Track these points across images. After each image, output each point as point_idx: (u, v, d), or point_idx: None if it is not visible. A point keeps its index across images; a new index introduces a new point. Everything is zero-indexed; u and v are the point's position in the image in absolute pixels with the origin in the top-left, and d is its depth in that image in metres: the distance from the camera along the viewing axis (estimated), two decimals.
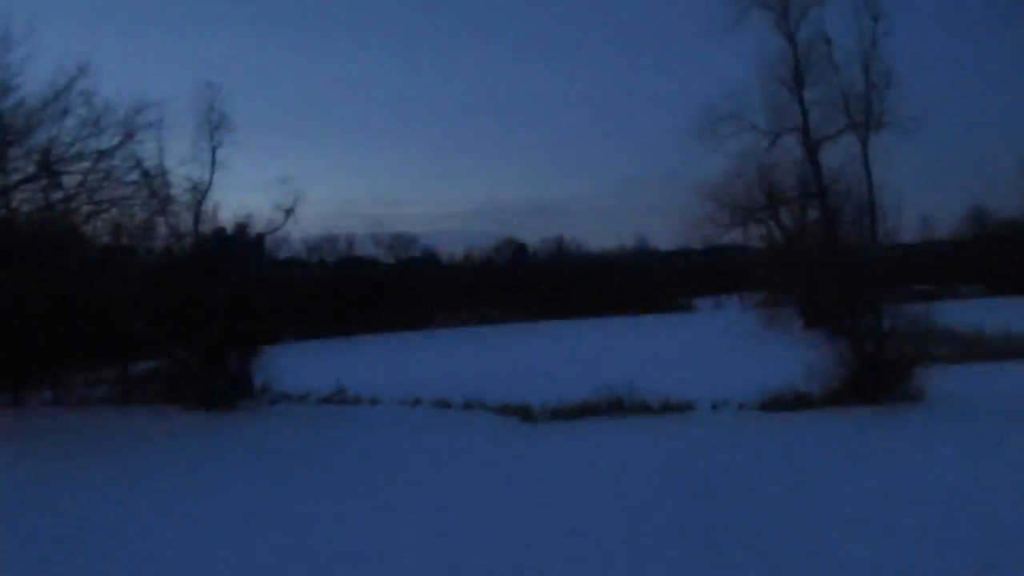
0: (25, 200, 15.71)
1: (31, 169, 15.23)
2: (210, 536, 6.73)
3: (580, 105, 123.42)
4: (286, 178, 31.94)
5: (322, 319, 48.17)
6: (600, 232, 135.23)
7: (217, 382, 17.78)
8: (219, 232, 21.76)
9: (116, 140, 15.47)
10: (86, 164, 15.26)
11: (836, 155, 15.83)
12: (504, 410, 16.78)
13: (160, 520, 7.58)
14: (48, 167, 15.02)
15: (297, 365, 20.23)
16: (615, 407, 15.24)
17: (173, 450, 12.51)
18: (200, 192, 20.48)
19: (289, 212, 22.18)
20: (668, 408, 14.85)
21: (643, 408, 14.97)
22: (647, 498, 7.64)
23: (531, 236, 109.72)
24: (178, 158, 18.40)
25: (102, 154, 15.26)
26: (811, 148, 15.52)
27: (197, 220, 20.95)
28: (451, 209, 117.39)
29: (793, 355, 15.97)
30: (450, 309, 58.05)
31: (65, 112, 14.66)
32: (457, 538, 6.39)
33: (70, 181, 15.70)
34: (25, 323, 14.44)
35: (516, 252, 70.58)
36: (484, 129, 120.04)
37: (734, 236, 21.69)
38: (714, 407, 14.78)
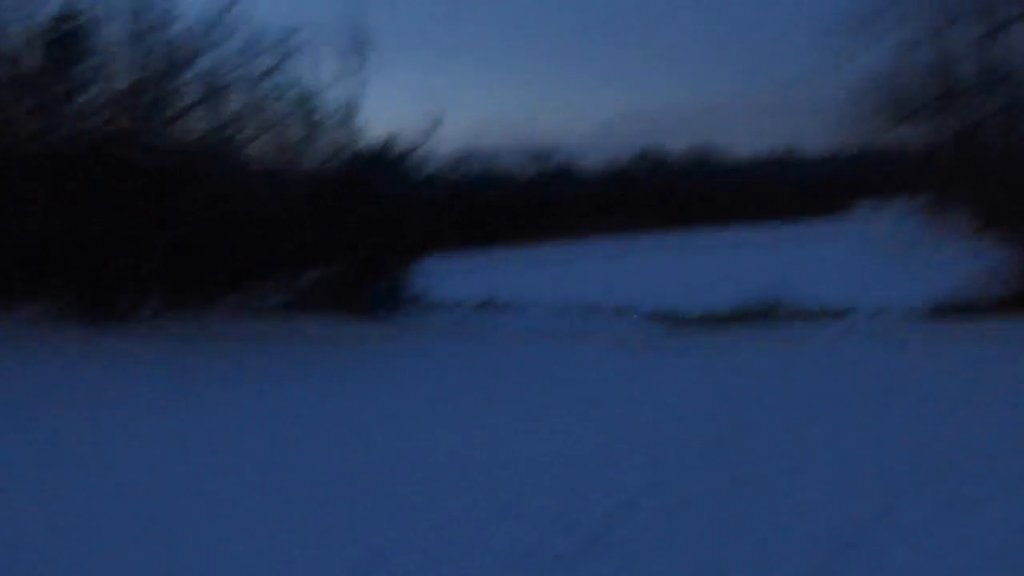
0: (192, 125, 16.77)
1: (197, 95, 16.14)
2: (370, 422, 7.20)
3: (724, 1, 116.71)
4: (428, 95, 32.60)
5: (465, 234, 49.22)
6: (746, 138, 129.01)
7: (375, 293, 18.77)
8: (367, 151, 22.53)
9: (271, 63, 16.11)
10: (245, 88, 16.03)
11: None
12: (652, 318, 16.78)
13: (319, 400, 8.30)
14: (212, 92, 15.89)
15: (445, 277, 20.97)
16: (766, 314, 14.90)
17: (336, 350, 13.52)
18: (348, 111, 21.18)
19: (432, 128, 22.61)
20: (823, 315, 14.36)
21: (796, 315, 14.55)
22: (797, 406, 7.47)
23: (673, 144, 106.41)
24: (326, 79, 19.00)
25: (259, 78, 15.97)
26: (994, 30, 14.06)
27: (346, 139, 21.76)
28: (590, 120, 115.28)
29: (961, 262, 14.95)
30: (591, 221, 57.85)
31: (225, 38, 15.38)
32: (589, 434, 6.54)
33: (232, 106, 16.55)
34: (203, 239, 15.63)
35: (657, 161, 68.87)
36: (621, 35, 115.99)
37: (895, 136, 20.11)
38: (873, 315, 14.15)
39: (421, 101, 23.45)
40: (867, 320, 14.00)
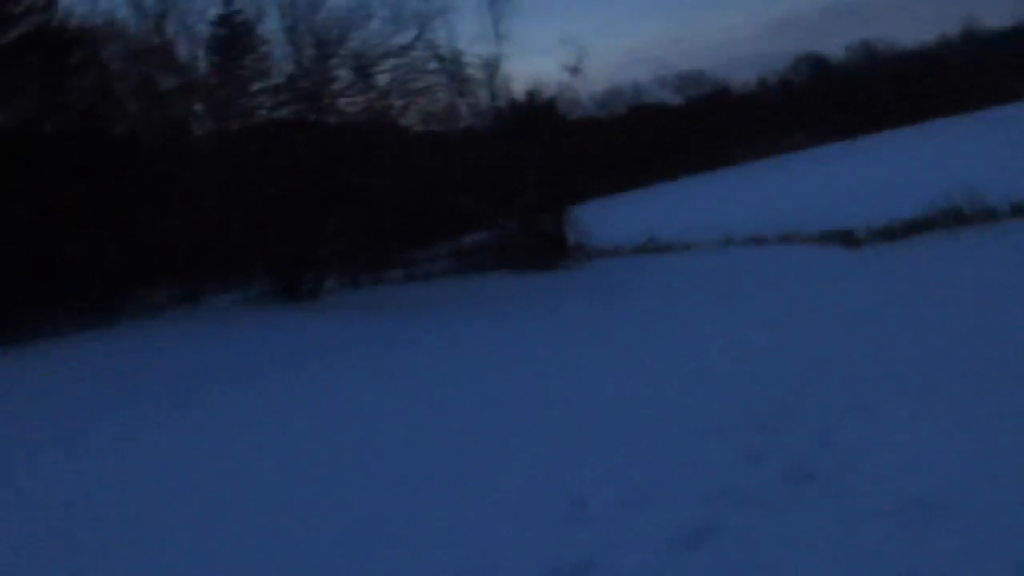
0: (348, 104, 17.57)
1: (348, 75, 16.86)
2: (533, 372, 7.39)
3: None
4: (568, 38, 32.21)
5: (620, 172, 48.66)
6: (916, 26, 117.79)
7: (536, 245, 19.05)
8: (515, 104, 22.69)
9: (414, 33, 16.51)
10: (392, 61, 16.55)
11: None
12: (824, 238, 16.00)
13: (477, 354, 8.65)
14: (362, 70, 16.53)
15: (604, 220, 20.92)
16: (953, 219, 13.77)
17: (497, 304, 13.93)
18: (492, 67, 21.38)
19: (575, 71, 22.40)
20: (1022, 211, 13.08)
21: (989, 216, 13.36)
22: (974, 319, 6.86)
23: (833, 47, 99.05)
24: (467, 38, 19.25)
25: (404, 49, 16.42)
26: None
27: (493, 96, 22.00)
28: (738, 35, 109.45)
29: None
30: (750, 142, 55.42)
31: (368, 15, 15.92)
32: (762, 357, 6.37)
33: (381, 80, 17.16)
34: (372, 215, 16.48)
35: (815, 66, 64.51)
36: None
37: None
38: None
39: (562, 45, 23.28)
40: None
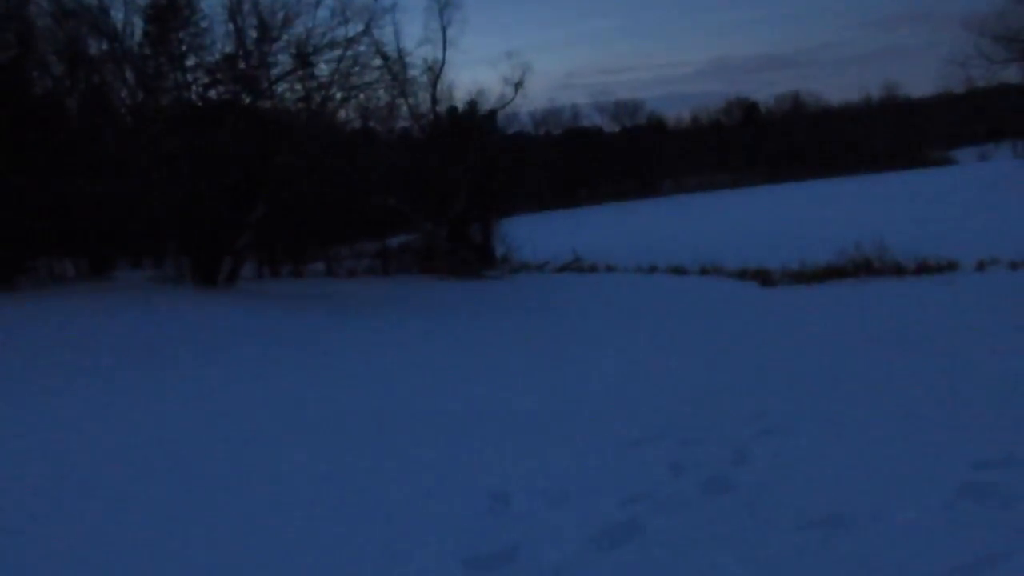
0: (287, 91, 17.22)
1: (289, 62, 16.53)
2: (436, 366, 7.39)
3: None
4: (512, 52, 32.45)
5: (551, 191, 49.13)
6: (842, 84, 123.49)
7: (462, 253, 19.03)
8: (454, 110, 22.70)
9: (360, 28, 16.34)
10: (336, 53, 16.32)
11: None
12: (742, 274, 16.53)
13: (392, 350, 8.54)
14: (304, 58, 16.23)
15: (532, 236, 21.07)
16: (862, 269, 14.45)
17: (419, 306, 13.85)
18: (435, 72, 21.35)
19: (517, 86, 22.60)
20: (924, 269, 13.82)
21: (895, 269, 14.07)
22: (876, 358, 7.22)
23: (763, 94, 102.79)
24: (413, 40, 19.22)
25: (349, 42, 16.22)
26: None
27: (434, 100, 21.97)
28: (676, 72, 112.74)
29: None
30: (678, 175, 56.83)
31: (316, 4, 15.69)
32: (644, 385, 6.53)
33: (323, 71, 16.89)
34: (299, 206, 16.15)
35: (747, 112, 66.76)
36: None
37: (1007, 75, 18.95)
38: (980, 266, 13.54)
39: (506, 59, 23.47)
40: (972, 272, 13.40)
